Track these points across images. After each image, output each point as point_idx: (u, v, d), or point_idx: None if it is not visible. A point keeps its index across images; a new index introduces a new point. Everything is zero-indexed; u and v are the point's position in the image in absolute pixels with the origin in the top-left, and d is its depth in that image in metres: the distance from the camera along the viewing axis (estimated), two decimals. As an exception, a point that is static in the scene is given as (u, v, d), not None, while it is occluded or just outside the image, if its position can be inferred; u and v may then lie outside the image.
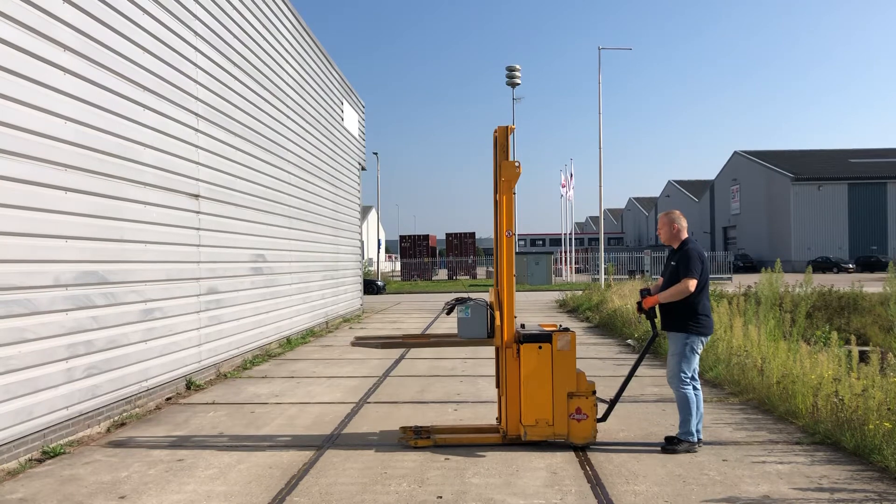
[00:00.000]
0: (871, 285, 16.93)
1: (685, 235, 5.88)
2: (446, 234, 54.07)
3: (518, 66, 34.34)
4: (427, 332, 14.34)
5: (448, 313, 6.05)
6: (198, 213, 8.93)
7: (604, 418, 5.96)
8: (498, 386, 6.02)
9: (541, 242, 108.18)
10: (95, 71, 6.66)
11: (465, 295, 6.36)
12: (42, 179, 5.85)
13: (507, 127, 5.92)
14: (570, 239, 46.52)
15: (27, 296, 5.65)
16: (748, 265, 55.21)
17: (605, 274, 28.27)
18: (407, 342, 6.47)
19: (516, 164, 5.83)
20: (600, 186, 28.70)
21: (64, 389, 6.06)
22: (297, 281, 13.62)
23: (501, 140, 5.90)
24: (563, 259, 47.05)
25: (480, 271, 58.90)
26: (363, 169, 20.99)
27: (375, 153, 48.45)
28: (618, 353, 11.53)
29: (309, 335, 14.21)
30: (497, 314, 5.79)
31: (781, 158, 63.06)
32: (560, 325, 6.01)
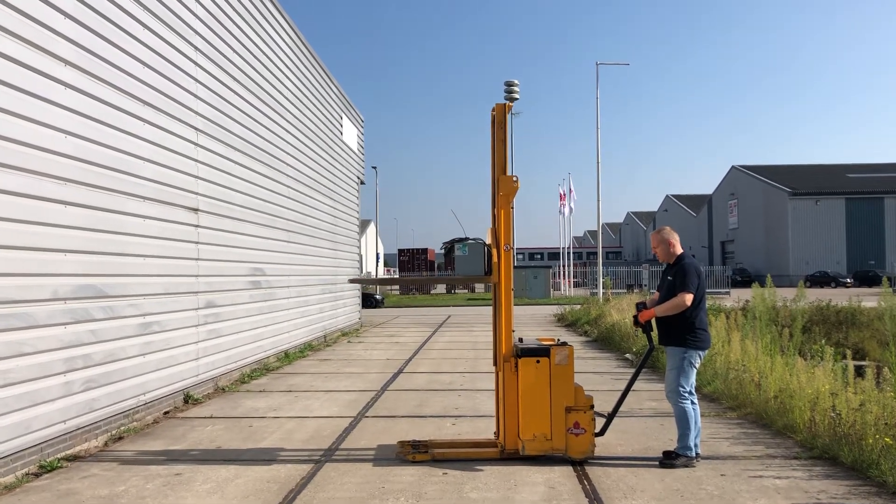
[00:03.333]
0: (869, 300, 16.93)
1: (680, 250, 5.91)
2: (445, 247, 54.12)
3: (516, 81, 34.35)
4: (426, 346, 14.33)
5: (446, 254, 6.10)
6: (196, 226, 8.95)
7: (602, 433, 5.95)
8: (495, 363, 6.03)
9: (539, 256, 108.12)
10: (95, 85, 6.70)
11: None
12: (41, 193, 5.87)
13: (504, 105, 5.97)
14: (569, 253, 46.54)
15: (25, 309, 5.66)
16: (746, 279, 55.11)
17: (603, 288, 28.29)
18: (402, 280, 6.88)
19: (514, 178, 5.87)
20: (598, 201, 28.82)
21: (61, 403, 6.06)
22: (296, 295, 13.62)
23: (499, 118, 5.95)
24: (562, 273, 47.06)
25: (479, 285, 58.83)
26: (362, 183, 21.05)
27: (374, 167, 48.69)
28: (616, 367, 11.52)
29: (307, 349, 14.18)
30: (494, 252, 5.85)
31: (779, 173, 63.34)
32: (558, 340, 6.02)
